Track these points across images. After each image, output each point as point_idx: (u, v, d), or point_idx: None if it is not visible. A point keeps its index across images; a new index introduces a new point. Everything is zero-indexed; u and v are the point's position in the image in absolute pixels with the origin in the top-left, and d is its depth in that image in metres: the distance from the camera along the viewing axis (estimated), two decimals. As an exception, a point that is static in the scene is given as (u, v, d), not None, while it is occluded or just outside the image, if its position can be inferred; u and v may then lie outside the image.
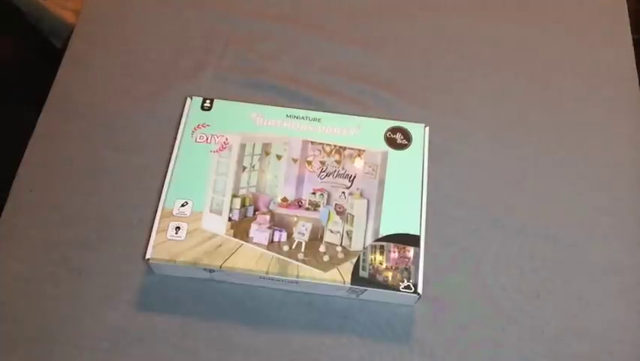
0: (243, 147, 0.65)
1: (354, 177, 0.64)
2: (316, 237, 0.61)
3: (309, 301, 0.62)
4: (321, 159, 0.65)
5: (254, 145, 0.66)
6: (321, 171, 0.64)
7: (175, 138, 0.66)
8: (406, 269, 0.59)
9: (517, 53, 0.79)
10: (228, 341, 0.60)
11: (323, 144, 0.66)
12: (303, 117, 0.67)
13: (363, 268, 0.59)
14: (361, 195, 0.63)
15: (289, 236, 0.61)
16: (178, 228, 0.61)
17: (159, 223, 0.61)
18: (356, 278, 0.59)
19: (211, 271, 0.60)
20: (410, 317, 0.62)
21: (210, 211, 0.62)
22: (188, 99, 0.68)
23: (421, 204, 0.63)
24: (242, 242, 0.60)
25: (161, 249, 0.59)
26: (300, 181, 0.64)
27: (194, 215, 0.61)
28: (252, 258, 0.59)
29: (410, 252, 0.60)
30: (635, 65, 0.78)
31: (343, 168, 0.65)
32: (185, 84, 0.74)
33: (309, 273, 0.59)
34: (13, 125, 0.81)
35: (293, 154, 0.65)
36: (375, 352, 0.60)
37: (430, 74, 0.77)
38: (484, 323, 0.62)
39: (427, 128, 0.67)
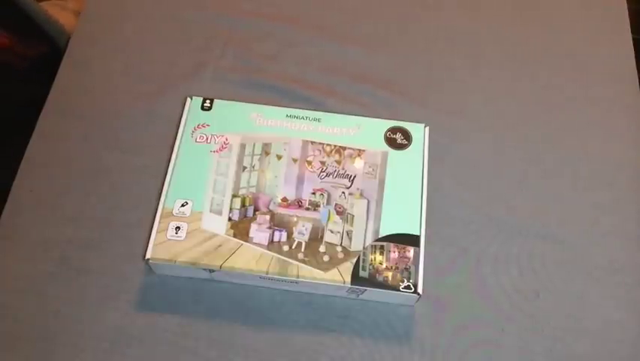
0: (243, 147, 0.65)
1: (354, 177, 0.64)
2: (316, 237, 0.61)
3: (309, 301, 0.62)
4: (321, 159, 0.65)
5: (254, 145, 0.66)
6: (321, 171, 0.64)
7: (175, 138, 0.66)
8: (406, 269, 0.59)
9: (518, 53, 0.79)
10: (228, 341, 0.60)
11: (323, 144, 0.66)
12: (303, 117, 0.67)
13: (363, 268, 0.59)
14: (361, 195, 0.63)
15: (289, 236, 0.61)
16: (178, 228, 0.61)
17: (159, 223, 0.61)
18: (356, 278, 0.59)
19: (211, 271, 0.60)
20: (410, 317, 0.62)
21: (210, 211, 0.62)
22: (188, 99, 0.68)
23: (421, 204, 0.63)
24: (242, 242, 0.60)
25: (161, 249, 0.59)
26: (300, 181, 0.64)
27: (194, 215, 0.61)
28: (252, 258, 0.59)
29: (410, 252, 0.60)
30: (635, 65, 0.78)
31: (343, 168, 0.65)
32: (185, 84, 0.74)
33: (309, 273, 0.59)
34: (13, 125, 0.81)
35: (293, 154, 0.65)
36: (375, 352, 0.60)
37: (431, 73, 0.77)
38: (484, 322, 0.62)
39: (427, 128, 0.67)
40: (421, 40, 0.79)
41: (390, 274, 0.59)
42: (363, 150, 0.66)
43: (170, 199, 0.62)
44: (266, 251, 0.60)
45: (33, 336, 0.60)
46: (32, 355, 0.59)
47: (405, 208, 0.62)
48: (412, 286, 0.59)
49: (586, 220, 0.68)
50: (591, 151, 0.72)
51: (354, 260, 0.60)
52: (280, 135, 0.66)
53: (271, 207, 0.63)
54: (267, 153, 0.66)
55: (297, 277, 0.59)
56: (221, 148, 0.65)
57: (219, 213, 0.62)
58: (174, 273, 0.62)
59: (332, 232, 0.61)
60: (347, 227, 0.62)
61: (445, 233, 0.66)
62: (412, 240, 0.61)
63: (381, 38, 0.79)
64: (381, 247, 0.60)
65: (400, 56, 0.78)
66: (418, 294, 0.59)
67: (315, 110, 0.69)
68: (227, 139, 0.66)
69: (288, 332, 0.61)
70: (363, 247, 0.60)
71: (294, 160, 0.65)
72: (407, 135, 0.67)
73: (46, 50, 0.89)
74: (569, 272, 0.65)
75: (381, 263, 0.59)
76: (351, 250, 0.60)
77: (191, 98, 0.68)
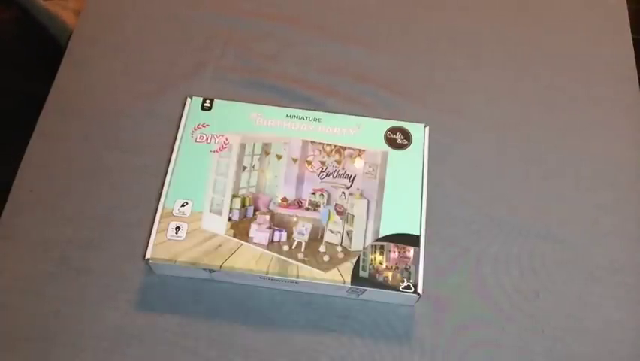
0: (243, 147, 0.65)
1: (354, 177, 0.64)
2: (316, 237, 0.61)
3: (309, 301, 0.62)
4: (321, 159, 0.65)
5: (254, 145, 0.66)
6: (321, 171, 0.64)
7: (175, 138, 0.66)
8: (406, 269, 0.59)
9: (518, 53, 0.79)
10: (228, 341, 0.60)
11: (323, 144, 0.66)
12: (303, 117, 0.67)
13: (363, 268, 0.59)
14: (361, 195, 0.63)
15: (289, 236, 0.61)
16: (178, 228, 0.61)
17: (159, 223, 0.61)
18: (356, 278, 0.59)
19: (211, 271, 0.60)
20: (410, 317, 0.62)
21: (210, 211, 0.62)
22: (188, 99, 0.68)
23: (421, 204, 0.63)
24: (242, 242, 0.60)
25: (161, 249, 0.59)
26: (300, 181, 0.64)
27: (194, 215, 0.61)
28: (252, 258, 0.59)
29: (410, 252, 0.60)
30: (635, 65, 0.78)
31: (343, 168, 0.65)
32: (185, 84, 0.74)
33: (309, 273, 0.59)
34: (13, 125, 0.81)
35: (293, 154, 0.65)
36: (375, 352, 0.60)
37: (431, 74, 0.77)
38: (484, 322, 0.62)
39: (427, 128, 0.67)
40: (423, 40, 0.79)
41: (390, 274, 0.59)
42: (363, 150, 0.65)
43: (170, 199, 0.62)
44: (266, 251, 0.60)
45: (33, 336, 0.60)
46: (32, 355, 0.59)
47: (405, 208, 0.62)
48: (412, 286, 0.59)
49: (587, 220, 0.68)
50: (592, 151, 0.72)
51: (354, 260, 0.60)
52: (280, 135, 0.66)
53: (271, 207, 0.62)
54: (267, 153, 0.65)
55: (297, 277, 0.59)
56: (221, 148, 0.65)
57: (219, 213, 0.62)
58: (174, 273, 0.62)
59: (332, 232, 0.61)
60: (347, 227, 0.62)
61: (445, 233, 0.66)
62: (412, 240, 0.61)
63: (382, 38, 0.79)
64: (381, 247, 0.60)
65: (402, 56, 0.78)
66: (418, 294, 0.58)
67: (315, 110, 0.69)
68: (227, 139, 0.66)
69: (288, 332, 0.61)
70: (363, 247, 0.60)
71: (294, 160, 0.65)
72: (407, 135, 0.67)
73: (16, 14, 0.89)
74: (569, 272, 0.65)
75: (381, 263, 0.59)
76: (351, 250, 0.60)
77: (191, 98, 0.68)
